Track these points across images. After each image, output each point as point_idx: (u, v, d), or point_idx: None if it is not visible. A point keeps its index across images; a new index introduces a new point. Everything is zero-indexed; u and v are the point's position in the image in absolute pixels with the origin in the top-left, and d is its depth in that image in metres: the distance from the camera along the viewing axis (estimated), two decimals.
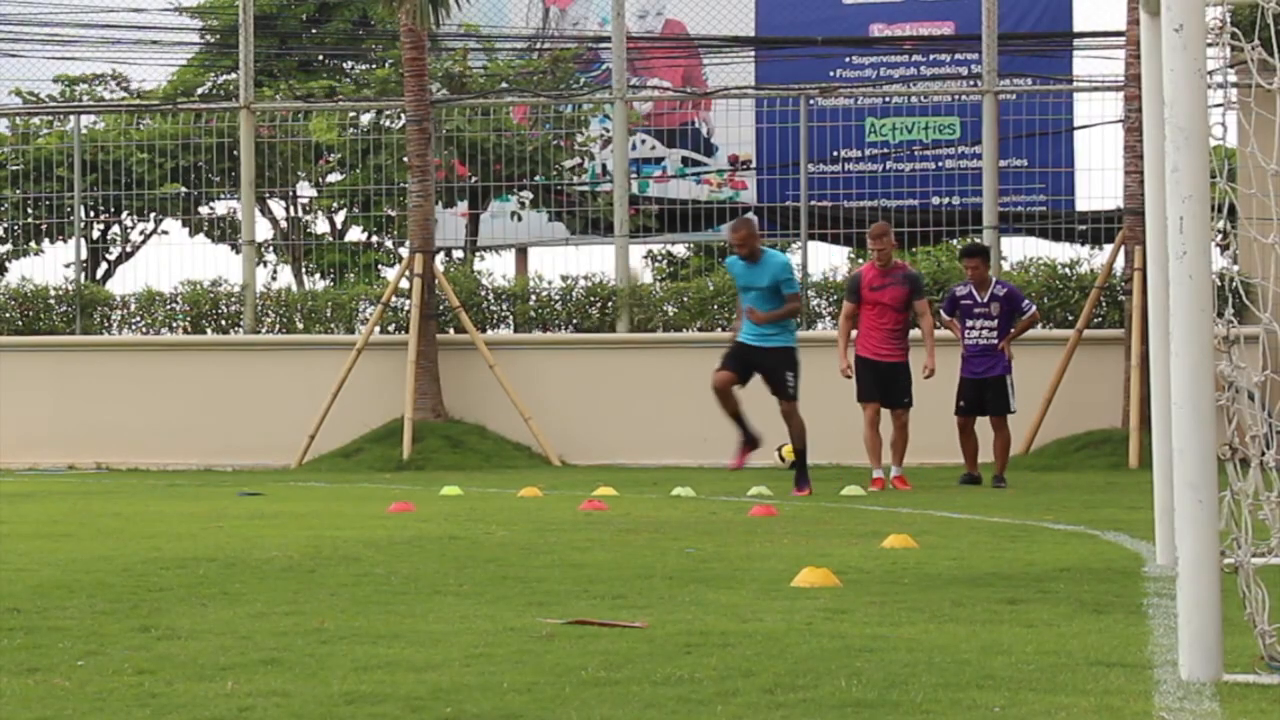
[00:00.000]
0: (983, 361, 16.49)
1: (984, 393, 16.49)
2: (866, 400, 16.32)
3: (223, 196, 25.86)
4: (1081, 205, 24.57)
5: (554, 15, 27.03)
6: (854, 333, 16.50)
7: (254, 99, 23.39)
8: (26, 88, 27.51)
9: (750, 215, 17.62)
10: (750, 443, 15.25)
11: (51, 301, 23.23)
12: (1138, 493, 13.92)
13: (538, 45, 27.14)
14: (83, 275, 24.12)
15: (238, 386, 21.98)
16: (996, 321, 16.43)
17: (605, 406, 21.47)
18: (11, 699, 5.34)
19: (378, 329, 21.85)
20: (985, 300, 16.50)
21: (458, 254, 26.02)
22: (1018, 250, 24.13)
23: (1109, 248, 21.17)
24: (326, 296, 22.78)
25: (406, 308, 21.82)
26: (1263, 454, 5.80)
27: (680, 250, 29.42)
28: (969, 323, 16.52)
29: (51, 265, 25.75)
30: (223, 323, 22.94)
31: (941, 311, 17.06)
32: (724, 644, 6.30)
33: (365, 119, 25.26)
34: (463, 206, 25.77)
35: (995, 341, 16.44)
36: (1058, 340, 20.78)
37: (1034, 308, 16.79)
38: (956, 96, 25.17)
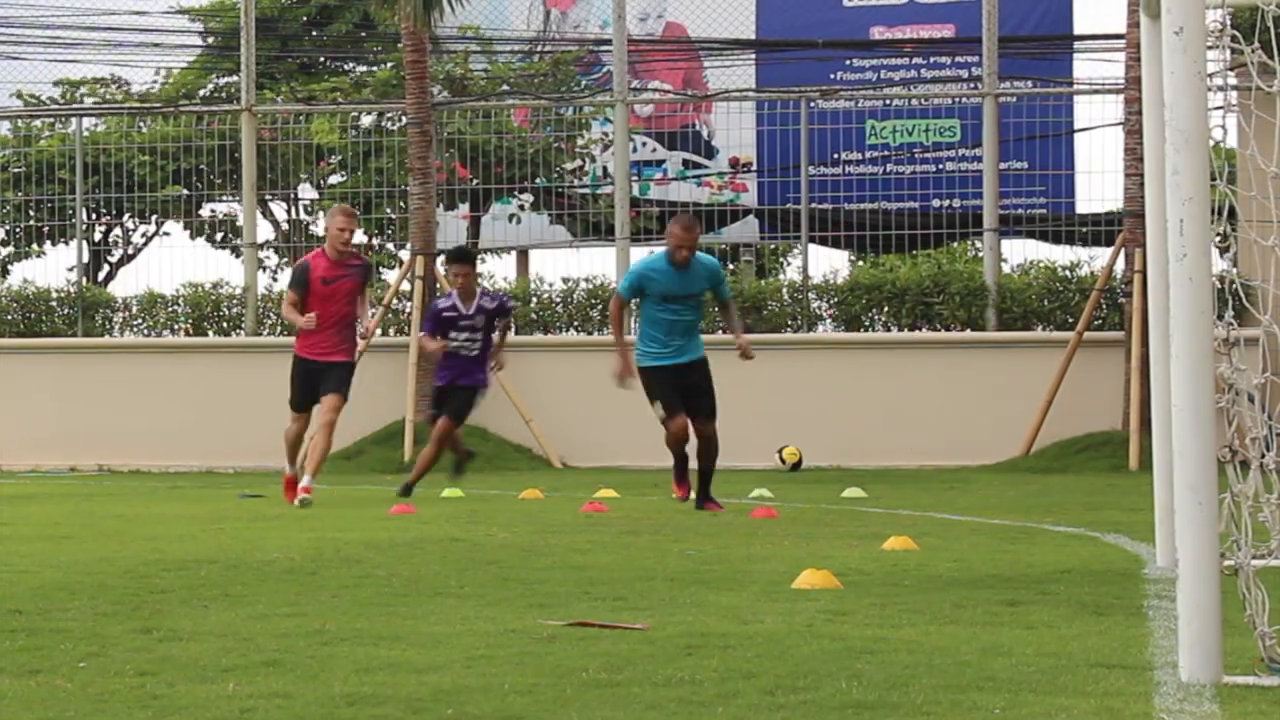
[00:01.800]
0: (457, 370, 15.26)
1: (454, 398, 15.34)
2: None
3: (224, 199, 25.87)
4: (1081, 208, 24.58)
5: (555, 18, 27.03)
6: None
7: (255, 101, 23.40)
8: (28, 90, 27.51)
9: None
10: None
11: (53, 304, 23.24)
12: (1138, 495, 13.92)
13: (539, 48, 27.14)
14: (84, 277, 24.13)
15: (239, 388, 21.99)
16: (481, 334, 15.27)
17: (606, 409, 21.45)
18: (13, 700, 5.35)
19: (379, 331, 21.86)
20: (471, 312, 15.22)
21: None
22: (1018, 253, 24.18)
23: (1109, 250, 21.19)
24: None
25: (408, 310, 21.83)
26: (1262, 456, 5.81)
27: None
28: (453, 334, 15.16)
29: (53, 268, 25.80)
30: (224, 325, 22.95)
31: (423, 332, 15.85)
32: (725, 646, 6.31)
33: (366, 121, 25.27)
34: (464, 209, 25.77)
35: (477, 354, 15.21)
36: (1058, 343, 20.79)
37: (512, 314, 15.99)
38: (957, 99, 25.18)
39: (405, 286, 21.90)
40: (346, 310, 14.56)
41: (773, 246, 30.49)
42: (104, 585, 8.30)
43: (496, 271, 26.32)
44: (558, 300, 22.48)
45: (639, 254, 28.31)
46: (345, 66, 29.89)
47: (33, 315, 23.22)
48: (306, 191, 26.59)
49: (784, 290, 22.35)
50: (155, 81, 28.42)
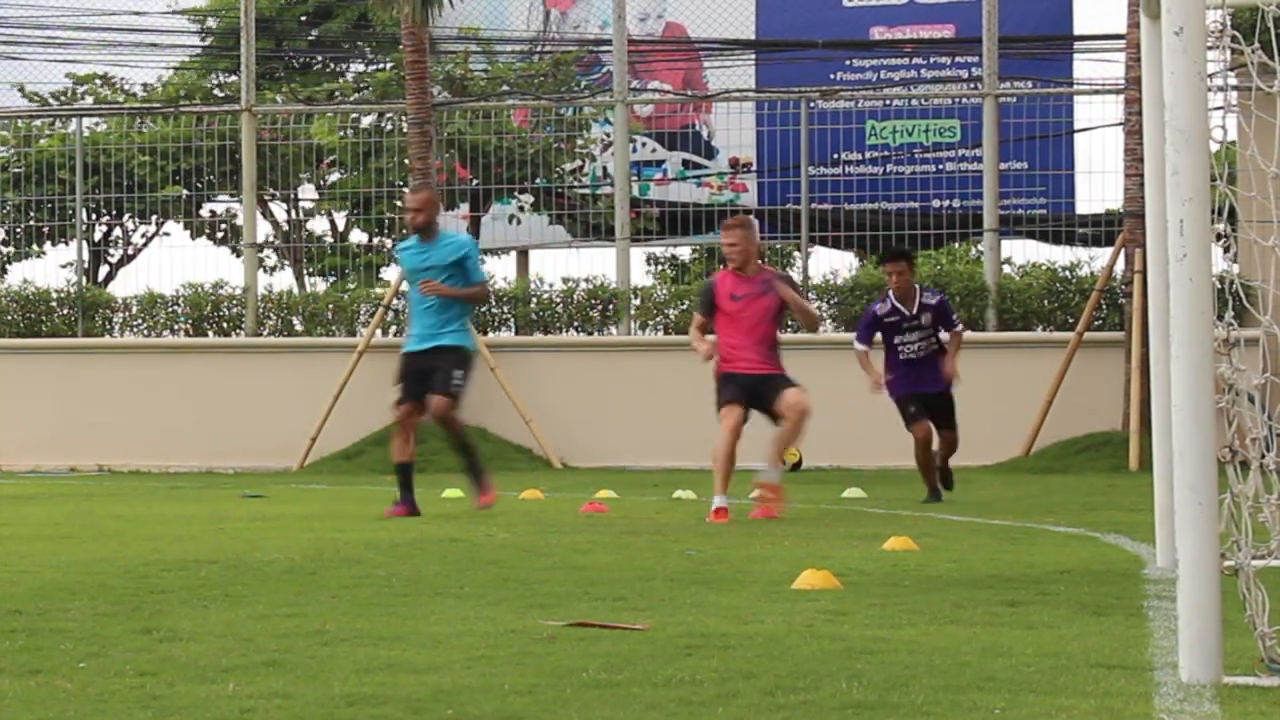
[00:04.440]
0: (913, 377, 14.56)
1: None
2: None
3: (223, 199, 25.87)
4: (1082, 208, 24.59)
5: (555, 18, 27.04)
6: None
7: (255, 102, 23.40)
8: (27, 89, 27.51)
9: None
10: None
11: (53, 304, 23.24)
12: (1138, 495, 13.92)
13: (539, 48, 27.15)
14: (84, 278, 24.13)
15: (239, 389, 22.00)
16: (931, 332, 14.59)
17: (606, 409, 21.48)
18: (13, 701, 5.35)
19: (379, 332, 21.86)
20: (914, 312, 14.53)
21: None
22: (1018, 253, 24.18)
23: (1109, 250, 21.19)
24: (328, 299, 22.79)
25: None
26: (1263, 456, 5.81)
27: (684, 253, 29.47)
28: (898, 339, 14.59)
29: (53, 268, 25.81)
30: (224, 325, 22.95)
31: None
32: (725, 646, 6.31)
33: (366, 121, 25.28)
34: (464, 209, 25.78)
35: (927, 356, 14.51)
36: (1058, 343, 20.80)
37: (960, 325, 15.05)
38: (957, 99, 25.18)
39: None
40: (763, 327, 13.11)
41: (778, 247, 30.49)
42: (104, 585, 8.30)
43: (496, 272, 26.33)
44: (557, 300, 22.48)
45: (638, 254, 28.42)
46: (342, 67, 29.88)
47: (33, 315, 23.21)
48: (306, 191, 26.60)
49: None
50: (154, 82, 28.41)
